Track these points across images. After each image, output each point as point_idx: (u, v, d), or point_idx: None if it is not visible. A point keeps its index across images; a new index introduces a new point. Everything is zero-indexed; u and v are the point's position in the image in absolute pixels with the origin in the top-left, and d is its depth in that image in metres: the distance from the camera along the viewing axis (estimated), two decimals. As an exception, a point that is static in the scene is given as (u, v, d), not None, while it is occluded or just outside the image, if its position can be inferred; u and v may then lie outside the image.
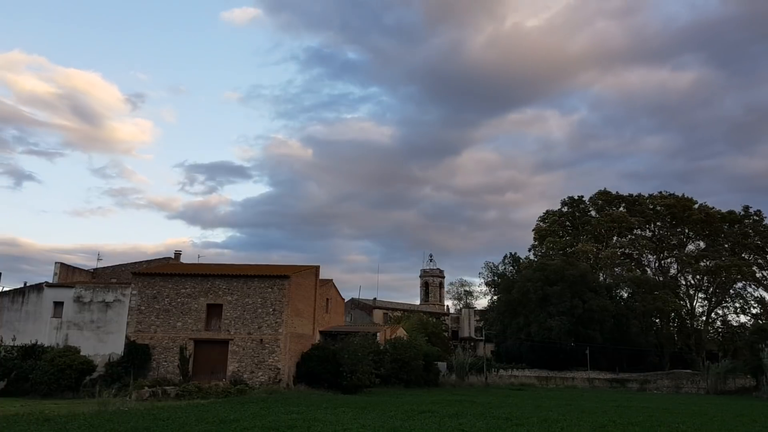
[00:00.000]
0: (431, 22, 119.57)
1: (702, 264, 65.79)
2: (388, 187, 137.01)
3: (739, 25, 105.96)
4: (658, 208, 69.63)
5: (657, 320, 64.66)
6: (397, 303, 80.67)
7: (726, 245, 67.73)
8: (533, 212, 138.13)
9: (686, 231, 70.47)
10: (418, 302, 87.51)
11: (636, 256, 70.18)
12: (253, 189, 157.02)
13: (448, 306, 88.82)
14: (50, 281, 39.13)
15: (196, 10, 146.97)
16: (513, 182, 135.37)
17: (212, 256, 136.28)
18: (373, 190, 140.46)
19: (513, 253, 75.70)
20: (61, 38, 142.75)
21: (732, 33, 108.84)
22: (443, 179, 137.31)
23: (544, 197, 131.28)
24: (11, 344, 33.66)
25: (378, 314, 73.63)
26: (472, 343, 74.14)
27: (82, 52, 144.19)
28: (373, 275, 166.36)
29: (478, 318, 75.81)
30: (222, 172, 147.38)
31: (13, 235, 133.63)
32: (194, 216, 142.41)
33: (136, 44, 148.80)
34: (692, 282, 68.64)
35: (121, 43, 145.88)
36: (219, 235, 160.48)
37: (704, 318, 67.32)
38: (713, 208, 68.82)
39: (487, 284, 77.43)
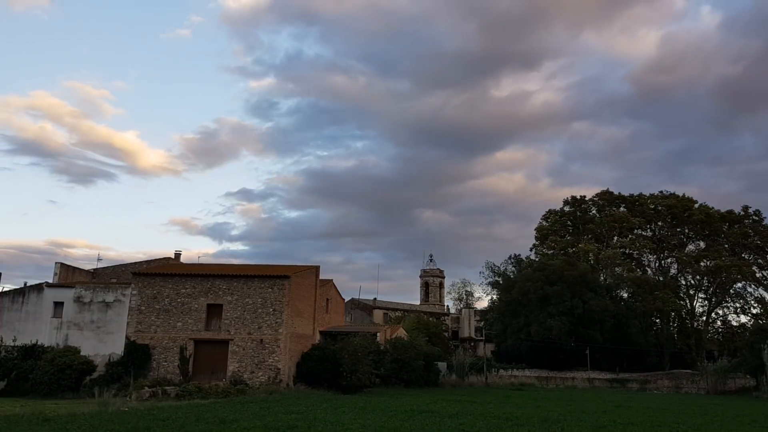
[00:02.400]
0: (420, 90, 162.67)
1: (702, 264, 65.79)
2: (391, 210, 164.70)
3: (642, 99, 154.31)
4: (659, 208, 69.65)
5: (657, 320, 64.60)
6: (397, 303, 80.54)
7: (726, 245, 67.73)
8: (512, 227, 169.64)
9: (686, 231, 70.50)
10: (418, 303, 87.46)
11: (636, 256, 70.18)
12: (264, 209, 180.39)
13: (448, 306, 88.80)
14: (50, 281, 39.10)
15: (230, 81, 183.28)
16: (499, 206, 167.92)
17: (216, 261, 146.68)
18: (375, 212, 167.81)
19: (516, 254, 75.71)
20: (103, 100, 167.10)
21: (643, 103, 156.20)
22: (439, 205, 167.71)
23: (522, 218, 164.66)
24: (11, 344, 33.64)
25: (378, 314, 73.61)
26: (472, 343, 74.10)
27: (125, 114, 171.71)
28: (376, 282, 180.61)
29: (478, 318, 75.73)
30: (237, 197, 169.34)
31: (53, 247, 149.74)
32: (210, 232, 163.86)
33: (174, 104, 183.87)
34: (692, 282, 68.64)
35: (162, 103, 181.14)
36: (230, 247, 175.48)
37: (704, 318, 67.36)
38: (713, 208, 68.88)
39: (488, 284, 77.32)
